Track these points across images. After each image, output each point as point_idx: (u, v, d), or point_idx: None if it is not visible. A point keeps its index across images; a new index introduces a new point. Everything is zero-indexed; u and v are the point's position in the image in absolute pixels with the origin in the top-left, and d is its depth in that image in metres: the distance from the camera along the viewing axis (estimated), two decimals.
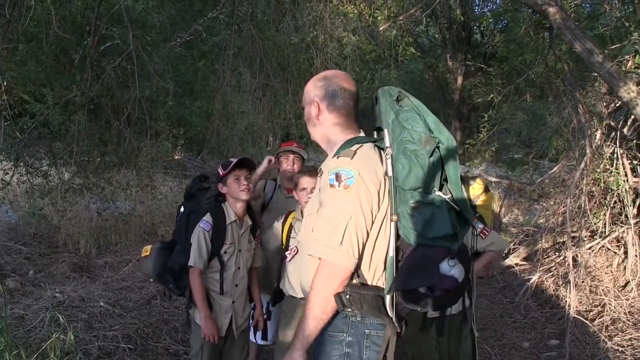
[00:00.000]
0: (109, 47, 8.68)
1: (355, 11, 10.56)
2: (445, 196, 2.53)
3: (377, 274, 2.66)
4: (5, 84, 7.29)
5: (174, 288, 4.26)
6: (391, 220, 2.58)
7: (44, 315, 5.98)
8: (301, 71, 9.91)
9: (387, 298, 2.61)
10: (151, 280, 4.67)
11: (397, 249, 2.61)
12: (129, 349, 5.79)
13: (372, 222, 2.60)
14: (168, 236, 10.42)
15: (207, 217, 4.11)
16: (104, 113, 8.92)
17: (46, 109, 8.58)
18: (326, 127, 2.84)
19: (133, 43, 7.59)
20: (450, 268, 2.54)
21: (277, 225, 4.68)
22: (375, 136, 2.90)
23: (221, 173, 4.14)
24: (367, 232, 2.58)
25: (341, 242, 2.49)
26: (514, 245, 10.02)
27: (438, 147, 2.52)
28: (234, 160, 4.12)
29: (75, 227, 9.70)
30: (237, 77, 9.63)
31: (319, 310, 2.54)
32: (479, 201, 5.86)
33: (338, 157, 2.62)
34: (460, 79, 23.32)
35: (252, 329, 4.72)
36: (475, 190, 5.94)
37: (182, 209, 4.41)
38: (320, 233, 2.56)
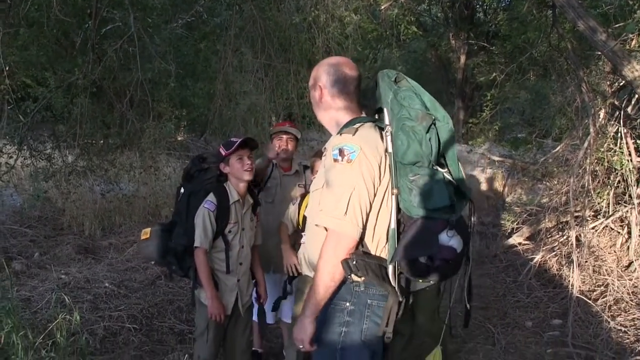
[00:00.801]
0: (110, 30, 8.64)
1: None
2: (442, 170, 2.72)
3: (380, 246, 2.80)
4: (7, 68, 7.28)
5: (177, 269, 4.27)
6: (392, 194, 2.71)
7: (49, 296, 6.04)
8: (303, 51, 9.92)
9: (390, 268, 2.72)
10: (152, 262, 4.69)
11: (399, 222, 2.73)
12: (134, 328, 5.85)
13: (375, 195, 2.73)
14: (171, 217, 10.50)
15: (211, 198, 4.13)
16: (107, 95, 8.93)
17: (49, 92, 8.56)
18: (331, 111, 3.00)
19: (134, 25, 7.57)
20: (449, 239, 2.72)
21: (293, 207, 4.72)
22: (377, 118, 3.00)
23: (223, 153, 4.16)
24: (370, 203, 2.71)
25: (345, 212, 2.62)
26: (517, 224, 10.00)
27: (434, 124, 2.69)
28: (237, 140, 4.14)
29: (79, 209, 9.76)
30: (239, 57, 9.61)
31: (327, 278, 2.68)
32: None
33: (341, 134, 2.77)
34: (463, 58, 23.18)
35: (255, 308, 4.74)
36: None
37: (182, 191, 4.41)
38: (325, 204, 2.71)
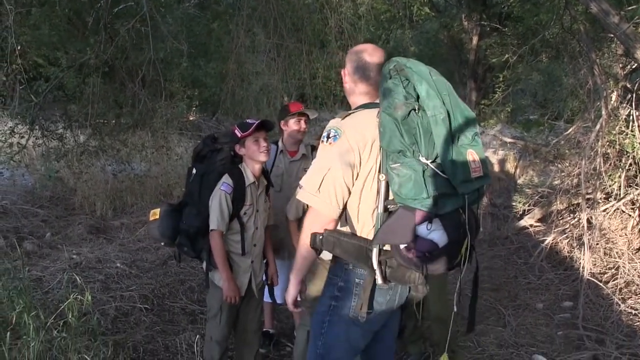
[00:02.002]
0: (122, 9, 8.59)
1: None
2: (426, 161, 2.62)
3: (366, 228, 2.87)
4: (19, 47, 7.26)
5: (189, 251, 4.23)
6: (382, 180, 2.75)
7: (61, 276, 6.05)
8: (315, 31, 9.86)
9: (374, 250, 2.77)
10: (162, 243, 4.67)
11: (386, 207, 2.79)
12: (145, 309, 5.87)
13: (355, 177, 2.82)
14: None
15: (227, 179, 4.10)
16: (119, 75, 8.91)
17: (60, 72, 8.55)
18: (354, 96, 3.09)
19: (147, 4, 7.53)
20: (429, 232, 2.68)
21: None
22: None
23: (239, 135, 4.11)
24: (347, 185, 2.81)
25: (318, 189, 2.79)
26: (528, 206, 9.98)
27: (416, 114, 2.64)
28: (253, 122, 4.09)
29: (91, 189, 9.76)
30: (252, 37, 9.58)
31: (303, 249, 2.94)
32: None
33: (335, 118, 2.92)
34: (475, 39, 23.09)
35: (267, 289, 4.73)
36: None
37: (193, 171, 4.34)
38: (304, 180, 2.88)
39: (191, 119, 16.08)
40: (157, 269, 6.96)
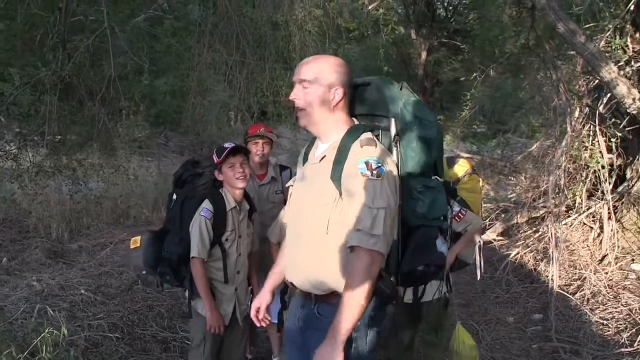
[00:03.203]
0: (80, 25, 8.37)
1: None
2: (440, 179, 2.83)
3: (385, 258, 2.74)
4: None
5: (172, 279, 4.14)
6: (398, 206, 2.69)
7: (25, 306, 5.78)
8: (279, 48, 9.76)
9: (392, 279, 2.77)
10: (143, 272, 4.51)
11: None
12: (116, 338, 5.64)
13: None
14: (140, 218, 10.30)
15: (207, 205, 4.01)
16: (77, 93, 8.64)
17: (15, 89, 8.28)
18: (336, 113, 2.86)
19: (107, 20, 7.33)
20: (442, 244, 2.84)
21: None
22: (356, 122, 2.95)
23: (216, 160, 4.02)
24: (395, 217, 2.69)
25: (382, 230, 2.55)
26: (490, 220, 10.13)
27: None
28: (228, 147, 4.00)
29: (45, 211, 9.44)
30: (212, 54, 9.42)
31: (364, 301, 2.55)
32: (462, 184, 5.73)
33: (361, 146, 2.67)
34: (424, 55, 23.45)
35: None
36: (458, 172, 5.80)
37: (174, 197, 4.26)
38: (360, 222, 2.57)
39: (139, 135, 15.89)
40: (123, 294, 6.72)
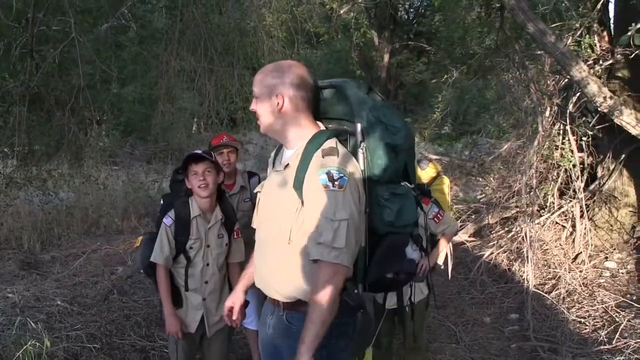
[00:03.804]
0: (42, 33, 8.30)
1: None
2: (410, 185, 2.77)
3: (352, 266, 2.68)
4: None
5: (154, 282, 4.15)
6: (365, 213, 2.65)
7: (2, 318, 5.70)
8: (248, 54, 9.77)
9: (360, 287, 2.74)
10: (141, 271, 4.55)
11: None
12: (95, 348, 5.56)
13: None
14: (111, 227, 10.26)
15: (171, 212, 4.03)
16: (46, 103, 8.58)
17: None
18: (289, 119, 2.77)
19: (75, 30, 7.31)
20: (412, 252, 2.82)
21: None
22: (322, 127, 2.86)
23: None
24: (359, 228, 2.62)
25: (345, 242, 2.50)
26: (461, 222, 10.16)
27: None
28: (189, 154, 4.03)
29: (16, 222, 9.38)
30: (179, 62, 9.41)
31: (329, 314, 2.52)
32: (433, 185, 5.84)
33: (323, 155, 2.59)
34: (386, 57, 23.50)
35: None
36: (428, 174, 5.91)
37: (161, 202, 4.34)
38: (321, 234, 2.53)
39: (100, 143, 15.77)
40: (100, 304, 6.66)
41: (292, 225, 2.64)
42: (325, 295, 2.50)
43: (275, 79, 2.73)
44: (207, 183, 3.96)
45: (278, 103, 2.70)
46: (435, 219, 4.61)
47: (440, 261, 4.95)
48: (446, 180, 5.60)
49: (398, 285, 3.10)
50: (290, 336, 2.71)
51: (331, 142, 2.65)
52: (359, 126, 2.68)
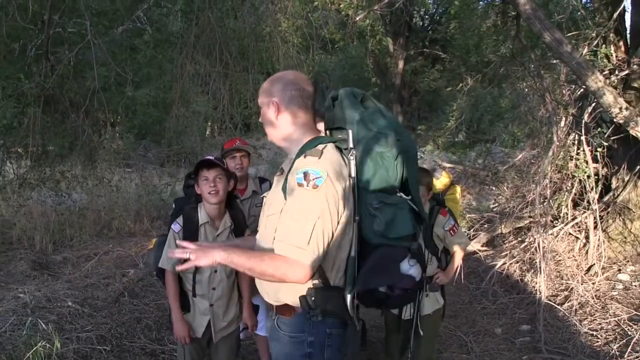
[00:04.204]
0: (57, 35, 8.33)
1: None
2: (407, 197, 2.69)
3: (339, 274, 2.71)
4: None
5: (164, 285, 4.16)
6: (354, 221, 2.65)
7: (13, 318, 5.75)
8: (262, 59, 9.78)
9: (348, 298, 2.67)
10: (155, 272, 4.56)
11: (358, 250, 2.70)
12: (105, 350, 5.59)
13: (338, 222, 2.63)
14: (123, 230, 10.28)
15: (179, 218, 4.03)
16: (61, 105, 8.62)
17: None
18: (286, 127, 2.83)
19: (90, 32, 7.34)
20: (410, 267, 2.76)
21: None
22: (329, 136, 2.92)
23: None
24: (333, 232, 2.61)
25: (308, 242, 2.52)
26: (474, 231, 10.09)
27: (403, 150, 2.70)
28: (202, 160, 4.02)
29: (29, 222, 9.42)
30: (194, 66, 9.43)
31: (257, 269, 2.59)
32: (447, 194, 5.81)
33: (305, 156, 2.63)
34: (401, 64, 23.47)
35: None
36: (442, 182, 5.88)
37: (173, 206, 4.35)
38: (286, 232, 2.58)
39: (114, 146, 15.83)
40: (111, 306, 6.69)
41: (277, 226, 2.66)
42: (272, 269, 2.55)
43: (275, 88, 2.80)
44: (218, 190, 3.95)
45: (275, 113, 2.79)
46: (451, 231, 4.59)
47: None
48: (458, 189, 5.58)
49: (394, 302, 3.06)
50: (278, 340, 2.81)
51: (320, 147, 2.67)
52: (349, 133, 2.70)
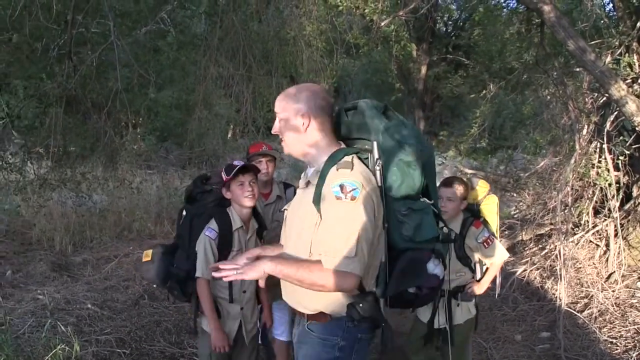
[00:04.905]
0: (80, 35, 8.33)
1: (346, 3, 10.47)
2: (430, 202, 2.84)
3: (372, 280, 2.80)
4: None
5: (179, 295, 4.11)
6: (383, 228, 2.75)
7: (31, 320, 5.74)
8: (286, 63, 9.76)
9: (382, 302, 2.83)
10: (154, 285, 4.49)
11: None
12: (124, 353, 5.58)
13: (376, 230, 2.72)
14: (144, 232, 10.25)
15: (213, 224, 3.97)
16: (83, 106, 8.62)
17: (21, 101, 8.25)
18: (311, 138, 2.90)
19: (114, 33, 7.31)
20: (435, 267, 2.93)
21: None
22: (342, 146, 2.97)
23: (224, 178, 3.98)
24: (373, 240, 2.69)
25: (356, 253, 2.58)
26: None
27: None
28: (238, 165, 3.96)
29: (49, 223, 9.42)
30: (218, 68, 9.41)
31: (307, 281, 2.63)
32: (483, 204, 5.68)
33: (337, 169, 2.71)
34: (424, 69, 23.45)
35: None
36: (479, 193, 5.75)
37: (184, 213, 4.23)
38: (331, 245, 2.62)
39: (134, 147, 15.86)
40: (130, 309, 6.66)
41: (313, 238, 2.73)
42: (322, 281, 2.60)
43: (303, 96, 2.86)
44: (255, 194, 3.99)
45: (303, 123, 2.85)
46: (485, 243, 4.51)
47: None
48: (495, 199, 5.46)
49: (422, 301, 3.14)
50: (308, 342, 2.89)
51: (348, 158, 2.76)
52: (374, 144, 2.78)
